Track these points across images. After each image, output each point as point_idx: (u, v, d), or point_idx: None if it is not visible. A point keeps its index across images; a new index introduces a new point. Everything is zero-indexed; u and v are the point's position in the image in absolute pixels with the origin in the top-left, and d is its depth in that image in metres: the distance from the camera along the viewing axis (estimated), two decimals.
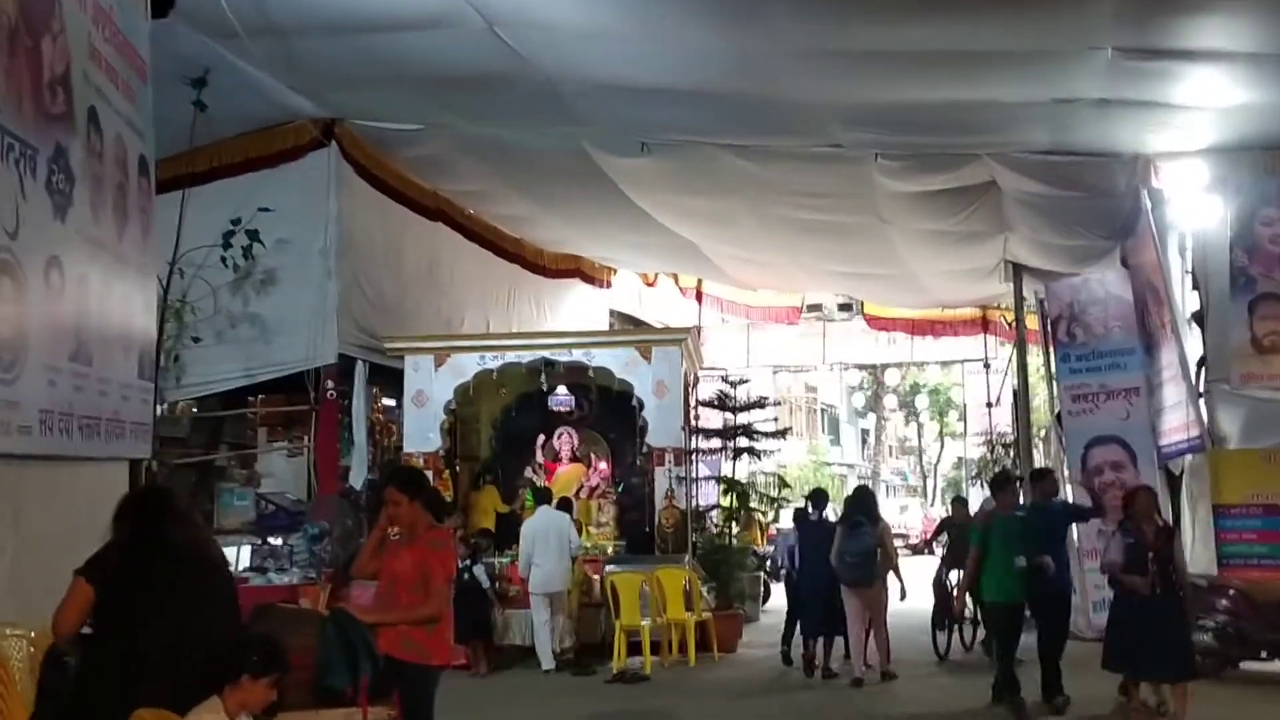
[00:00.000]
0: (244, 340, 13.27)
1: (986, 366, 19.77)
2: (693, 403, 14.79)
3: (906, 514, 38.34)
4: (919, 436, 54.11)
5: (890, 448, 54.95)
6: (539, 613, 11.42)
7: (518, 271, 17.73)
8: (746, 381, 12.90)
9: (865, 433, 56.17)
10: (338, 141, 13.01)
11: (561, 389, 15.06)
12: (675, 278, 20.77)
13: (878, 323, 20.13)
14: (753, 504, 12.95)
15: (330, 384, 13.04)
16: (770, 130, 11.45)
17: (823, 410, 49.16)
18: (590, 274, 19.69)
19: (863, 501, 11.22)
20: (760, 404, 13.18)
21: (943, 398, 40.75)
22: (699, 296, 20.55)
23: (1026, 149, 11.29)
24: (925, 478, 54.85)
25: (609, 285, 20.16)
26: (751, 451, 12.60)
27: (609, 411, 14.95)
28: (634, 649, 11.36)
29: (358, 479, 13.46)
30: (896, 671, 10.82)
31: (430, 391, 13.61)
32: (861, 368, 26.70)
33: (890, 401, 39.00)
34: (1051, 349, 14.12)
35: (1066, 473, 13.14)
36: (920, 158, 11.70)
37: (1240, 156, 11.14)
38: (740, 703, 10.22)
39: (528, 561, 11.49)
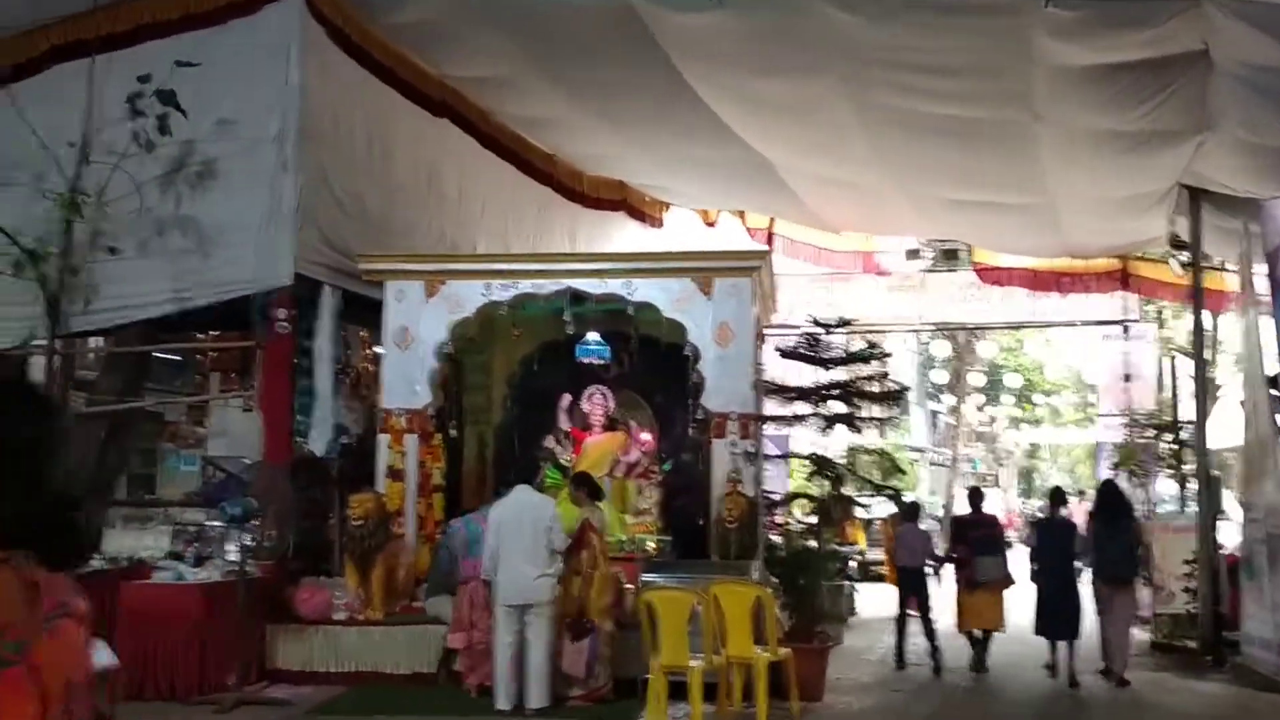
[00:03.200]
0: (174, 252, 10.08)
1: (1125, 330, 16.04)
2: (763, 355, 11.32)
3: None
4: (993, 422, 50.34)
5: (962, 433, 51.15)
6: (502, 631, 8.08)
7: (549, 196, 14.30)
8: (847, 323, 9.35)
9: (935, 415, 52.55)
10: None
11: (593, 335, 11.65)
12: (742, 215, 17.23)
13: (990, 274, 16.44)
14: (850, 490, 9.39)
15: (281, 313, 9.73)
16: None
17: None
18: (639, 208, 16.20)
19: (1116, 497, 11.09)
20: (868, 355, 9.53)
21: (1034, 375, 36.65)
22: (770, 239, 16.98)
23: None
24: (1000, 465, 51.08)
25: (660, 224, 16.68)
26: (852, 422, 9.06)
27: (656, 366, 11.55)
28: (678, 690, 7.95)
29: (320, 442, 10.16)
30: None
31: (418, 330, 10.25)
32: (969, 330, 22.78)
33: (975, 379, 35.04)
34: (1253, 298, 10.49)
35: None
36: (1109, 1, 8.09)
37: None
38: None
39: (494, 560, 8.14)
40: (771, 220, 17.18)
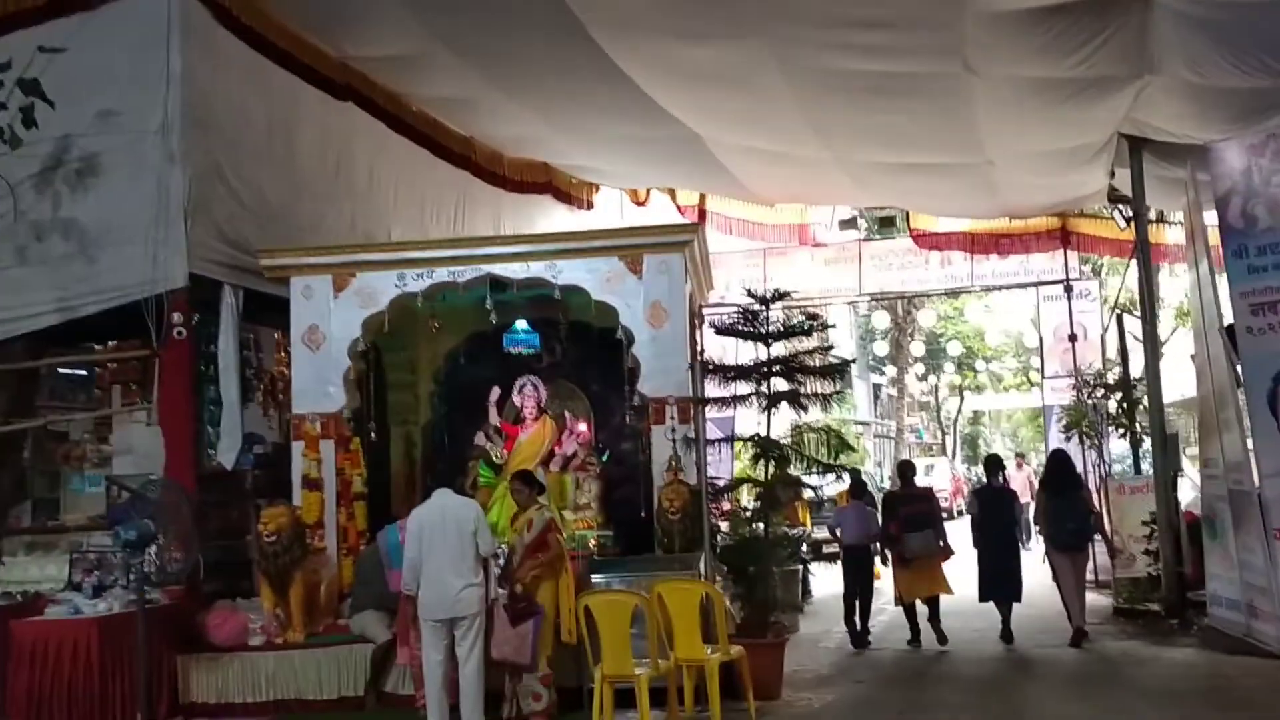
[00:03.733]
0: (56, 258, 9.29)
1: (1068, 289, 15.66)
2: (702, 336, 10.77)
3: (934, 474, 34.55)
4: (935, 392, 50.45)
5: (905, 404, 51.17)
6: (429, 650, 7.45)
7: (468, 181, 13.59)
8: (783, 296, 8.78)
9: (877, 388, 52.47)
10: None
11: (520, 323, 11.04)
12: (672, 194, 16.66)
13: (928, 240, 16.00)
14: (797, 471, 8.83)
15: (177, 317, 8.99)
16: None
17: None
18: (566, 190, 15.54)
19: (1066, 467, 11.38)
20: (808, 328, 8.94)
21: (974, 342, 36.46)
22: (701, 216, 16.42)
23: None
24: (944, 434, 51.23)
25: (590, 206, 16.02)
26: (796, 399, 8.49)
27: (591, 353, 10.96)
28: (626, 698, 7.36)
29: (229, 454, 9.45)
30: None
31: (328, 327, 9.56)
32: (908, 298, 22.34)
33: (917, 349, 34.81)
34: (1203, 248, 10.12)
35: (1246, 420, 9.19)
36: None
37: None
38: None
39: (414, 571, 7.50)
40: (703, 197, 16.65)
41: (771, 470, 8.68)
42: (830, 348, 8.85)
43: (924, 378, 47.04)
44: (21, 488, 10.85)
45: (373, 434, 9.90)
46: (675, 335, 9.33)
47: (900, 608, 11.11)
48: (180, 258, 9.05)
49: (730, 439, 9.84)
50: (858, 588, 11.00)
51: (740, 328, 8.84)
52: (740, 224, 16.62)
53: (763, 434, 8.74)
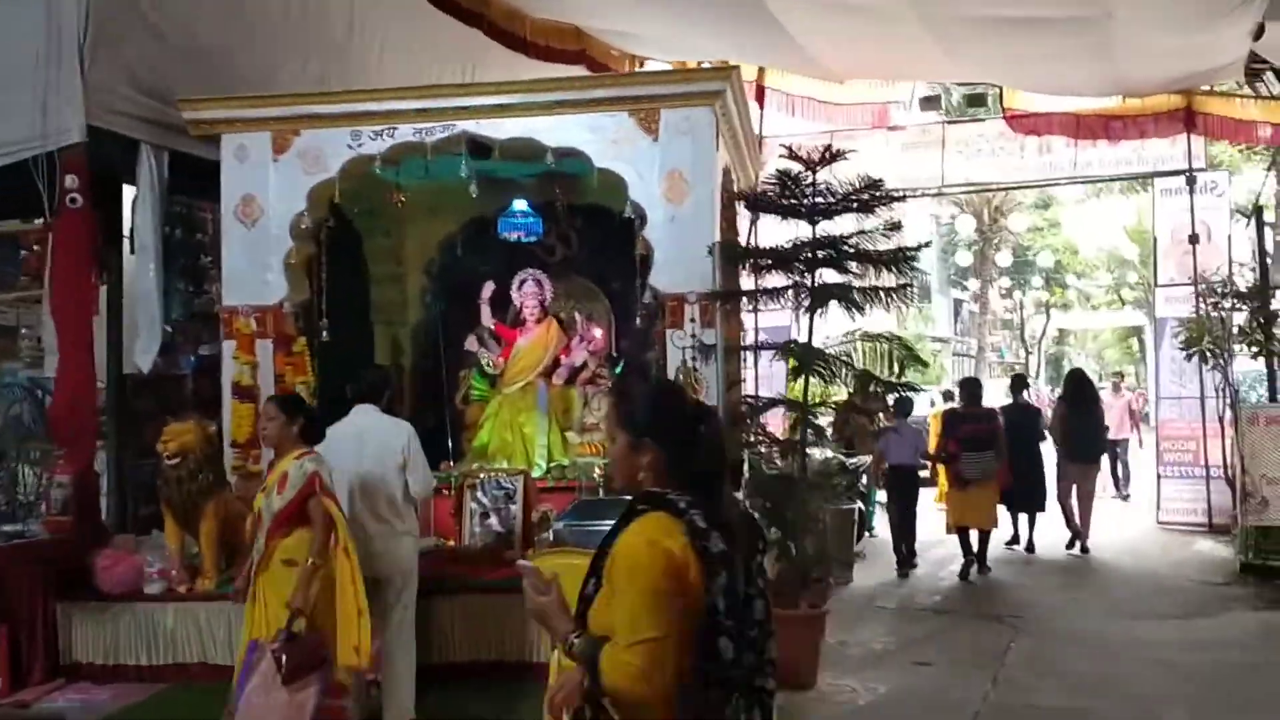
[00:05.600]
0: None
1: (1191, 182, 13.17)
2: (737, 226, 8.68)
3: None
4: (1020, 308, 47.80)
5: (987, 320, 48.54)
6: None
7: (480, 43, 11.42)
8: (838, 157, 6.58)
9: (958, 303, 49.87)
10: None
11: (519, 203, 9.06)
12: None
13: (1024, 122, 13.56)
14: (848, 388, 6.77)
15: (71, 180, 7.14)
16: None
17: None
18: (601, 63, 13.28)
19: (1085, 385, 12.43)
20: (869, 199, 6.60)
21: (1066, 257, 33.71)
22: (760, 95, 14.17)
23: None
24: (1027, 354, 48.68)
25: None
26: (847, 295, 6.32)
27: (610, 245, 8.98)
28: None
29: (144, 355, 7.68)
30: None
31: (265, 198, 7.64)
32: (1000, 190, 19.76)
33: (1003, 259, 32.14)
34: None
35: None
36: None
37: None
38: None
39: None
40: (761, 72, 14.34)
41: (822, 390, 6.58)
42: (898, 226, 6.64)
43: (1009, 293, 44.38)
44: None
45: (324, 333, 8.01)
46: (699, 215, 7.26)
47: (955, 534, 10.75)
48: (74, 107, 7.18)
49: (755, 346, 7.74)
50: (904, 512, 10.85)
51: (777, 200, 6.69)
52: (804, 103, 14.31)
53: (804, 340, 6.63)
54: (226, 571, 6.85)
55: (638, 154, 7.34)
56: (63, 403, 7.13)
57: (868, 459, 10.96)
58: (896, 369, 6.73)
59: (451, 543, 7.66)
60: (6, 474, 6.68)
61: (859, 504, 10.79)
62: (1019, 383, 12.37)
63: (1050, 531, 11.76)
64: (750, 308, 6.79)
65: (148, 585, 6.64)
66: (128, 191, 7.93)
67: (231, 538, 6.92)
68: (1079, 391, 12.11)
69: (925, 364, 11.05)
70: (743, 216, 9.21)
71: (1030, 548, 11.55)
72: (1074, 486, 11.79)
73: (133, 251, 7.89)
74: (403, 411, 9.94)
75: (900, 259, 6.38)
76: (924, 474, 11.87)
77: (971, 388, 11.25)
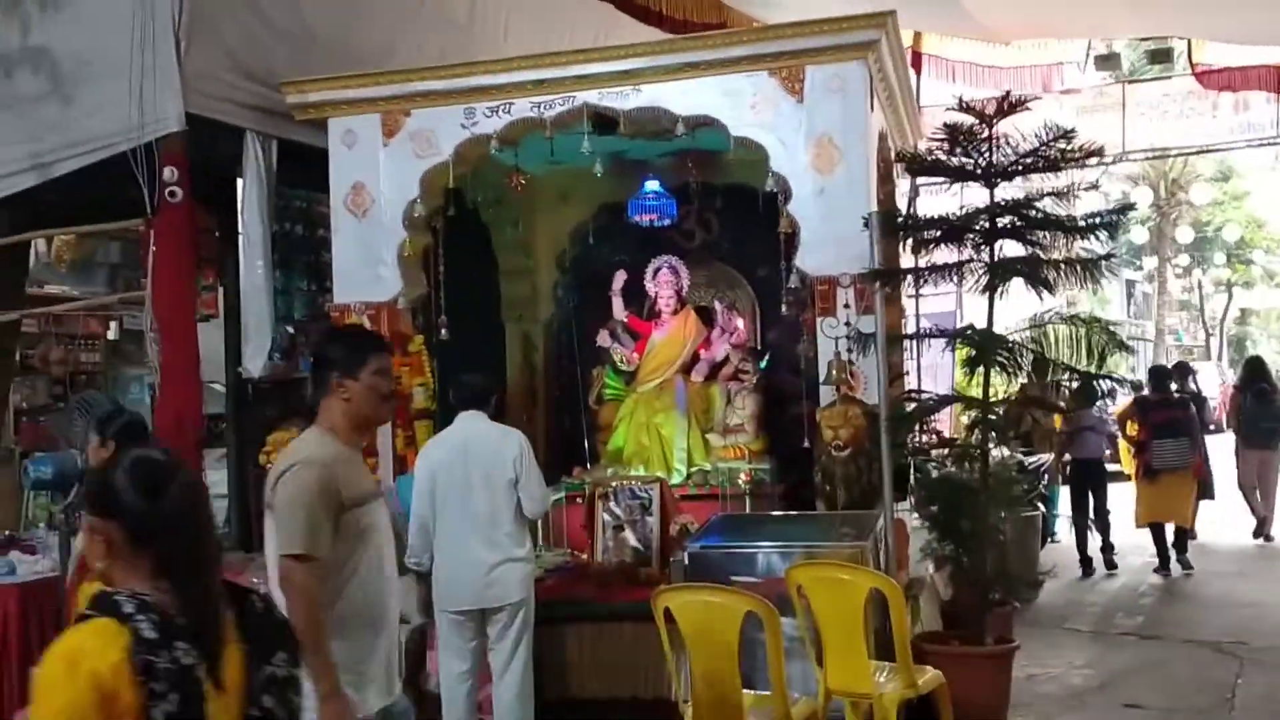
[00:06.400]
0: (27, 100, 7.09)
1: None
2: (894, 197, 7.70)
3: (1200, 379, 29.74)
4: (1199, 288, 44.86)
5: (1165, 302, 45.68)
6: (449, 655, 4.91)
7: (611, 17, 10.73)
8: (1020, 106, 5.51)
9: (1130, 284, 47.13)
10: None
11: (651, 183, 8.30)
12: None
13: (1216, 78, 12.13)
14: (1031, 380, 5.74)
15: (170, 173, 6.66)
16: None
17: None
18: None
19: (1263, 372, 12.49)
20: (1065, 154, 5.43)
21: (1250, 232, 31.19)
22: (916, 61, 13.09)
23: None
24: (1208, 336, 45.74)
25: None
26: (1036, 271, 5.25)
27: (754, 229, 8.14)
28: None
29: (255, 359, 7.20)
30: None
31: (376, 186, 7.03)
32: (1189, 154, 17.91)
33: (1184, 235, 29.87)
34: None
35: None
36: None
37: None
38: None
39: (424, 536, 4.96)
40: (917, 37, 13.28)
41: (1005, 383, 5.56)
42: (1095, 185, 5.54)
43: (1186, 272, 41.64)
44: None
45: (444, 331, 7.36)
46: (852, 185, 6.34)
47: (1142, 527, 10.34)
48: (172, 94, 6.69)
49: (924, 334, 6.69)
50: (1098, 509, 10.25)
51: (946, 160, 5.70)
52: (966, 69, 13.17)
53: (981, 326, 5.62)
54: None
55: (780, 119, 6.46)
56: (166, 415, 6.65)
57: (1048, 457, 9.85)
58: (1097, 356, 5.70)
59: (585, 555, 6.94)
60: (58, 499, 6.21)
61: (1041, 509, 9.67)
62: (1182, 370, 12.27)
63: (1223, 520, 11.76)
64: (912, 291, 5.75)
65: None
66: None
67: None
68: (1253, 377, 12.21)
69: (1131, 350, 9.88)
70: (901, 196, 8.26)
71: (1193, 535, 10.95)
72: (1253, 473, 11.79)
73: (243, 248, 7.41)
74: (537, 415, 9.38)
75: (1105, 224, 5.32)
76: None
77: (1161, 375, 11.01)
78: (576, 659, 5.72)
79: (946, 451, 5.77)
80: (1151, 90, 13.20)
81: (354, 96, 7.00)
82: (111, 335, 11.31)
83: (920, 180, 7.27)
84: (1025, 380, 6.61)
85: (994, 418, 5.59)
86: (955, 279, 5.77)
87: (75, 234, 8.24)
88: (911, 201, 8.88)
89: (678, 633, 4.36)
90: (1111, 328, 5.85)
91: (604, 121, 6.92)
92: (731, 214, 8.76)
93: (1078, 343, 5.49)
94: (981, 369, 5.53)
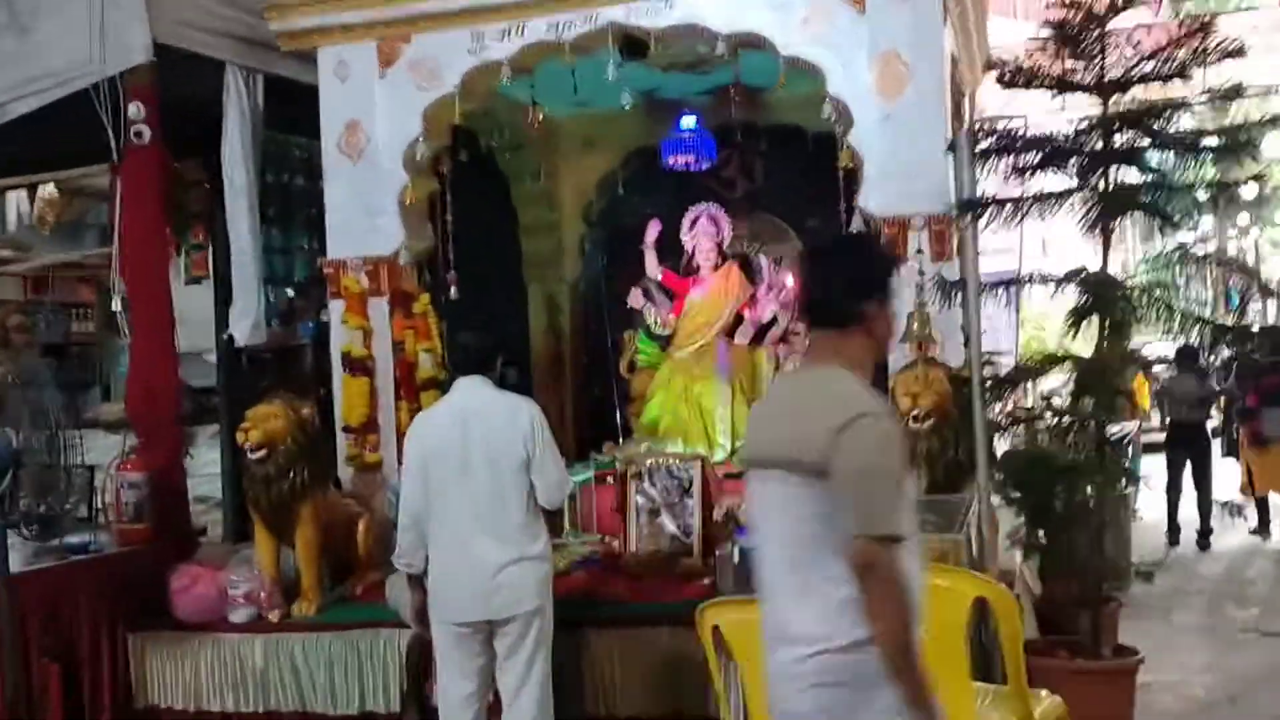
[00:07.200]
0: None
1: None
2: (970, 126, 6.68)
3: None
4: (1255, 248, 43.10)
5: None
6: (451, 670, 4.17)
7: None
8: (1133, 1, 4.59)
9: (1182, 247, 45.43)
10: None
11: (687, 120, 7.40)
12: None
13: None
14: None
15: (135, 109, 5.81)
16: None
17: None
18: None
19: None
20: (1197, 52, 4.43)
21: None
22: None
23: None
24: (1265, 300, 43.91)
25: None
26: (1157, 206, 4.25)
27: (803, 174, 7.24)
28: None
29: (242, 322, 6.37)
30: None
31: (371, 124, 6.15)
32: None
33: (1247, 190, 28.42)
34: None
35: None
36: None
37: None
38: None
39: (417, 530, 4.16)
40: None
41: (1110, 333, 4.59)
42: (1238, 91, 4.53)
43: (1243, 232, 39.98)
44: None
45: (453, 289, 6.48)
46: (925, 109, 5.40)
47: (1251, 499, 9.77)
48: (139, 21, 5.83)
49: (1064, 279, 5.56)
50: (1197, 476, 9.83)
51: (1048, 68, 4.70)
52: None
53: (1094, 269, 4.63)
54: (333, 592, 5.47)
55: (838, 34, 5.52)
56: (137, 385, 5.85)
57: (1132, 426, 8.90)
58: (1236, 306, 4.75)
59: (616, 542, 6.06)
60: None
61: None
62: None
63: None
64: (1005, 223, 4.74)
65: (231, 611, 5.26)
66: None
67: (339, 548, 5.53)
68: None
69: (1272, 293, 8.94)
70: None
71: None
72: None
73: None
74: (564, 385, 8.52)
75: (1249, 142, 4.34)
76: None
77: (1275, 335, 9.34)
78: (607, 670, 4.84)
79: (1053, 421, 4.78)
80: None
81: (346, 21, 6.12)
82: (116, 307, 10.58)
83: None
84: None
85: (1113, 383, 4.63)
86: (1051, 213, 4.76)
87: (36, 185, 7.40)
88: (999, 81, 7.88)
89: (726, 653, 3.49)
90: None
91: (632, 45, 5.99)
92: (777, 158, 7.95)
93: (1213, 287, 4.54)
94: (1095, 321, 4.57)
